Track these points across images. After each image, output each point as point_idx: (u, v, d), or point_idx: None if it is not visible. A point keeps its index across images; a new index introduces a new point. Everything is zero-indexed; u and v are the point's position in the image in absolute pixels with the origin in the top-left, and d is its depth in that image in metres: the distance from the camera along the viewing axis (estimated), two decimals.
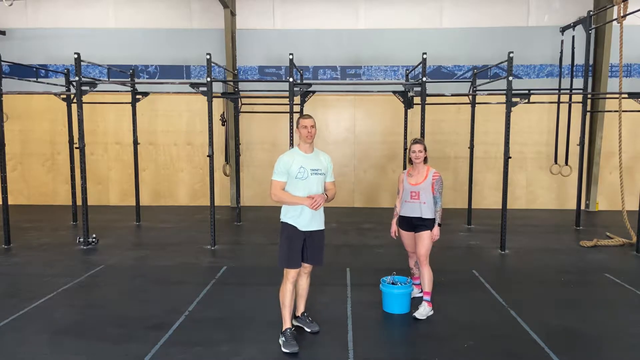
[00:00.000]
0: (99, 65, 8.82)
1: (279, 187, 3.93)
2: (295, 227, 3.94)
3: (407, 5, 10.61)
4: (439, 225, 4.57)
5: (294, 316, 4.26)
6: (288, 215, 3.97)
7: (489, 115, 9.87)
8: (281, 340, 3.94)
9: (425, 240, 4.54)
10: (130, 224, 8.91)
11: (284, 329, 3.98)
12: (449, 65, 10.65)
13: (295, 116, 8.03)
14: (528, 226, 8.80)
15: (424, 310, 4.50)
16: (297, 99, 8.07)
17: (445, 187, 9.33)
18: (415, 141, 4.65)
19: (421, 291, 4.77)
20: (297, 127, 4.05)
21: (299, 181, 3.90)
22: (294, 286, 4.01)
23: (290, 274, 3.95)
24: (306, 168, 3.91)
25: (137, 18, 10.83)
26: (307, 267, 4.14)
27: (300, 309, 4.30)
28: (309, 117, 4.06)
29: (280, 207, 4.08)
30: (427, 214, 4.53)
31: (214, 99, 7.12)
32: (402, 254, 6.90)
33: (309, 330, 4.24)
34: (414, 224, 4.61)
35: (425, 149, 4.60)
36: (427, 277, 4.56)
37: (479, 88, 8.76)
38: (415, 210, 4.57)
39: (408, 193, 4.61)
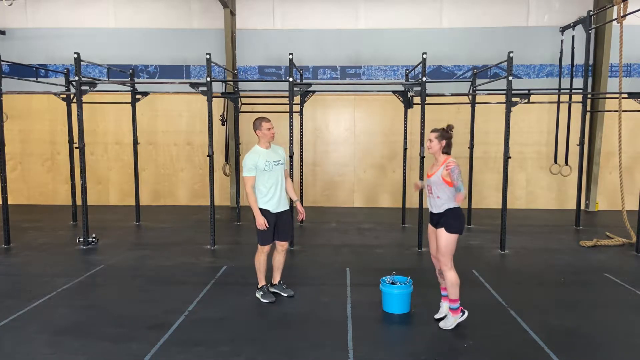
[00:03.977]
0: (99, 65, 8.82)
1: (251, 182, 4.66)
2: (268, 210, 4.70)
3: (407, 5, 10.61)
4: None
5: (272, 284, 5.05)
6: (262, 202, 4.70)
7: (489, 115, 9.86)
8: (259, 294, 4.91)
9: (442, 239, 4.12)
10: (130, 224, 8.91)
11: (260, 286, 4.94)
12: (449, 65, 10.65)
13: (296, 116, 8.13)
14: (528, 226, 8.79)
15: (448, 321, 4.18)
16: (297, 99, 8.08)
17: None
18: (432, 130, 4.26)
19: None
20: (260, 129, 4.68)
21: (266, 172, 4.67)
22: (267, 257, 4.87)
23: (264, 248, 4.81)
24: (270, 161, 4.69)
25: (137, 18, 10.83)
26: (283, 245, 4.93)
27: (277, 278, 5.06)
28: (269, 120, 4.75)
29: None
30: (443, 209, 4.16)
31: (213, 99, 7.12)
32: (402, 254, 6.95)
33: (285, 295, 4.98)
34: (435, 220, 4.26)
35: (443, 137, 4.13)
36: (449, 282, 4.13)
37: (478, 88, 8.76)
38: (432, 205, 4.25)
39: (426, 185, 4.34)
